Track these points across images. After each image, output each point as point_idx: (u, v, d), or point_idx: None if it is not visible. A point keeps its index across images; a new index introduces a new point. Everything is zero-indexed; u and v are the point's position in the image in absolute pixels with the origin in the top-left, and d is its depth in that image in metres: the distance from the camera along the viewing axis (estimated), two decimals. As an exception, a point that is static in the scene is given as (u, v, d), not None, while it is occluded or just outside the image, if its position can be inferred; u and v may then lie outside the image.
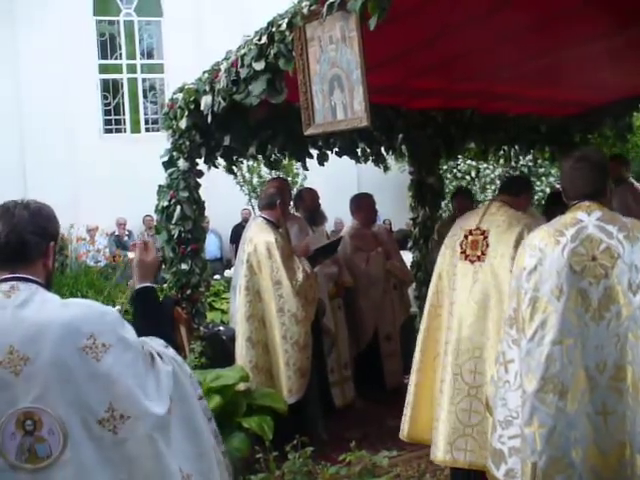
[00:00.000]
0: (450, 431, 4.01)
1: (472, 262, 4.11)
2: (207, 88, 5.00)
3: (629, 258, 2.88)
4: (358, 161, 6.90)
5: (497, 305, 3.91)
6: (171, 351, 2.33)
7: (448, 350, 4.12)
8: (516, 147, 7.80)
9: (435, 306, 4.33)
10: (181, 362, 2.33)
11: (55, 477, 2.00)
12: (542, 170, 15.28)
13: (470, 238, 4.15)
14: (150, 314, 2.59)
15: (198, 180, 5.78)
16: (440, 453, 4.05)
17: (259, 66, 4.33)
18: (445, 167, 14.47)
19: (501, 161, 8.59)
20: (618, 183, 6.28)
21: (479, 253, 4.09)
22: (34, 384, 1.99)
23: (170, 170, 5.71)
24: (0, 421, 1.98)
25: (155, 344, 2.29)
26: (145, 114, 17.90)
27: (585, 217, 3.00)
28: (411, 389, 4.37)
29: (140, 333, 2.24)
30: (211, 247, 14.06)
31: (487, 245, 4.06)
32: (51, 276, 2.24)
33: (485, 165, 15.11)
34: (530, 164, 14.63)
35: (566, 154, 3.41)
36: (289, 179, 12.10)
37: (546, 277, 2.95)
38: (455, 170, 15.81)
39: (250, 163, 12.46)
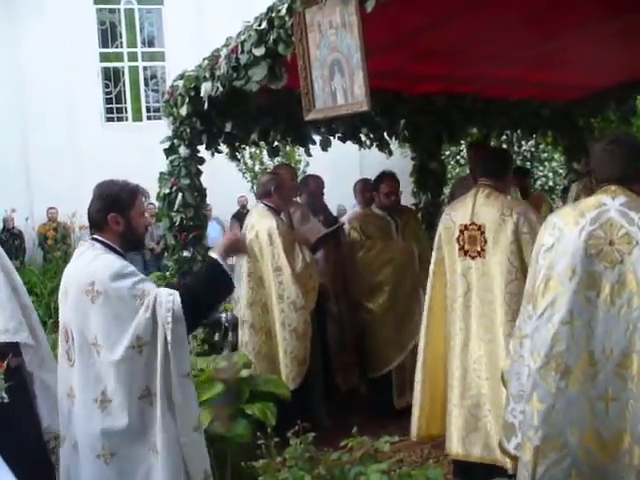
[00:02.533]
0: (463, 425, 4.06)
1: (473, 258, 4.10)
2: (207, 75, 4.98)
3: None
4: (362, 146, 6.88)
5: (502, 301, 3.93)
6: (166, 300, 2.95)
7: (455, 346, 4.13)
8: (518, 132, 7.77)
9: (435, 298, 4.33)
10: (167, 309, 2.93)
11: (73, 373, 3.04)
12: (545, 155, 15.22)
13: (467, 233, 4.12)
14: (201, 279, 3.47)
15: (200, 168, 5.77)
16: (454, 447, 4.11)
17: (259, 52, 4.31)
18: (448, 152, 14.42)
19: (503, 146, 8.53)
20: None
21: (479, 249, 4.07)
22: (68, 309, 3.07)
23: (171, 157, 5.70)
24: (62, 327, 3.10)
25: (163, 295, 2.97)
26: (147, 102, 17.85)
27: (609, 201, 2.93)
28: (418, 387, 4.37)
29: (187, 289, 3.18)
30: (213, 235, 14.02)
31: (485, 241, 4.05)
32: (127, 235, 3.11)
33: (488, 151, 15.03)
34: (532, 149, 14.57)
35: (599, 138, 3.30)
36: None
37: (560, 257, 2.93)
38: (458, 157, 15.76)
39: (252, 150, 12.41)
